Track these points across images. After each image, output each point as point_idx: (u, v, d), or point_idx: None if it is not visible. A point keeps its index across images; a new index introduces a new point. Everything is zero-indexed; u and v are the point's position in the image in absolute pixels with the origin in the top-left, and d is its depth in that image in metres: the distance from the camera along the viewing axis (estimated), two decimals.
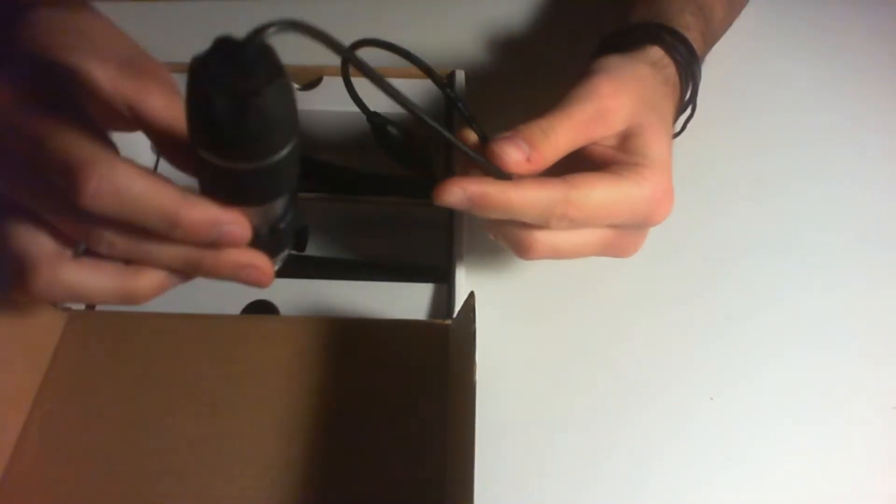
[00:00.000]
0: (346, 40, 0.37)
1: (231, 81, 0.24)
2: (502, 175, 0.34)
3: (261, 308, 0.41)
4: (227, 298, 0.41)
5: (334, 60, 0.38)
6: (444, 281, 0.42)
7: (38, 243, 0.29)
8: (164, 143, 0.30)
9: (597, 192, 0.34)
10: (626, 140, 0.37)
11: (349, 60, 0.29)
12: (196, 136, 0.26)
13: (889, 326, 0.44)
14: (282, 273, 0.42)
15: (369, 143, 0.46)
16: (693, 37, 0.43)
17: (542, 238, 0.36)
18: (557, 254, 0.37)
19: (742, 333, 0.44)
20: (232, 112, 0.24)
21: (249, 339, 0.39)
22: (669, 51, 0.41)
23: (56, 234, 0.29)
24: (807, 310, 0.45)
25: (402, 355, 0.39)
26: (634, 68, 0.39)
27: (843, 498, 0.38)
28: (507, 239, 0.37)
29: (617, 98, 0.37)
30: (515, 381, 0.41)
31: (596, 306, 0.44)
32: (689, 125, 0.45)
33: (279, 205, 0.30)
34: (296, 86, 0.50)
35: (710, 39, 0.48)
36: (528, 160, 0.34)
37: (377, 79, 0.29)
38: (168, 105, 0.31)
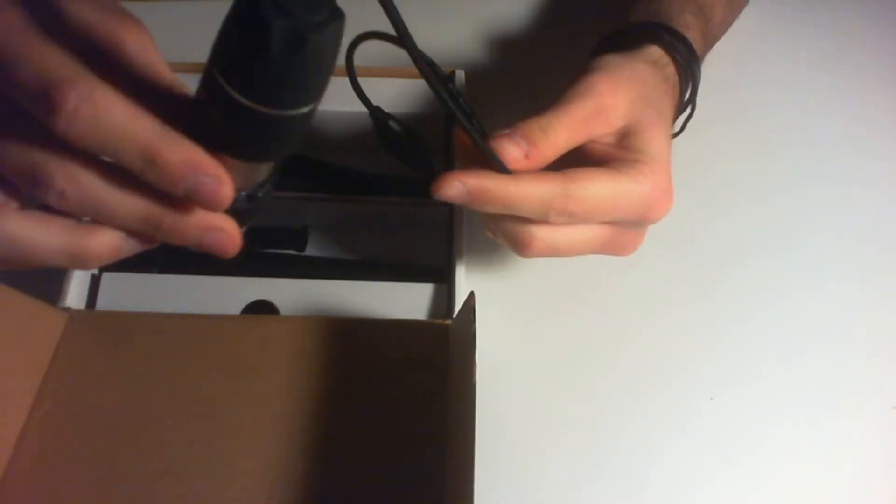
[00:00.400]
0: (346, 40, 0.38)
1: (297, 12, 0.22)
2: (503, 168, 0.34)
3: (261, 308, 0.41)
4: (227, 298, 0.41)
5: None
6: (444, 281, 0.42)
7: None
8: (138, 87, 0.28)
9: (596, 187, 0.34)
10: (625, 137, 0.37)
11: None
12: (226, 63, 0.24)
13: (889, 326, 0.44)
14: (282, 273, 0.43)
15: (370, 143, 0.46)
16: (693, 37, 0.43)
17: (541, 234, 0.36)
18: (556, 251, 0.37)
19: (742, 333, 0.44)
20: (287, 45, 0.22)
21: (249, 339, 0.38)
22: (669, 50, 0.41)
23: (1, 181, 0.27)
24: (807, 310, 0.45)
25: (402, 355, 0.39)
26: (633, 66, 0.39)
27: (843, 498, 0.38)
28: (505, 235, 0.37)
29: (615, 95, 0.37)
30: (515, 381, 0.41)
31: (596, 306, 0.44)
32: (689, 125, 0.45)
33: (266, 168, 0.28)
34: None
35: (710, 39, 0.48)
36: (527, 157, 0.34)
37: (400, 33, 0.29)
38: (145, 47, 0.29)
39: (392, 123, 0.42)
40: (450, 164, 0.47)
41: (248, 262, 0.45)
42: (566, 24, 0.59)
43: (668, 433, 0.40)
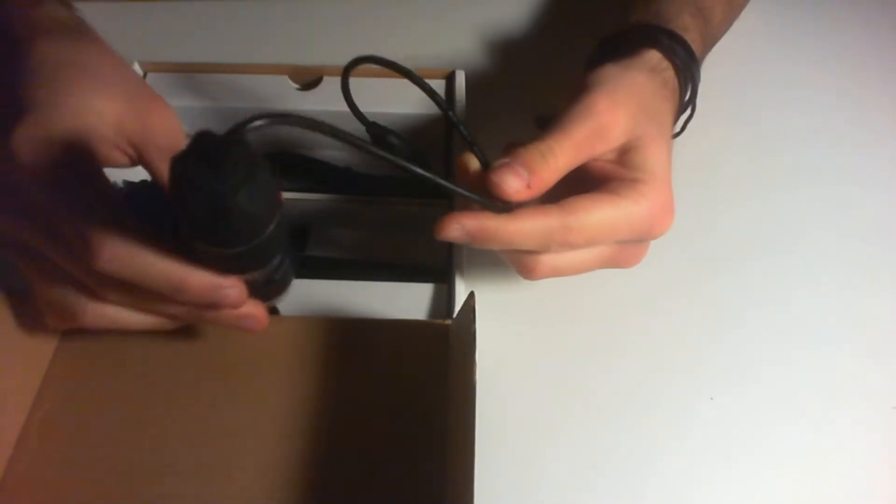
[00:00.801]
0: (347, 40, 0.38)
1: (207, 182, 0.25)
2: (501, 208, 0.34)
3: None
4: None
5: (334, 60, 0.38)
6: (444, 281, 0.42)
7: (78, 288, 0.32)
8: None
9: (595, 215, 0.34)
10: (625, 154, 0.37)
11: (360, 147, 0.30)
12: (182, 226, 0.28)
13: (889, 326, 0.44)
14: None
15: (370, 142, 0.46)
16: (692, 38, 0.43)
17: (545, 260, 0.36)
18: (560, 272, 0.37)
19: (742, 333, 0.44)
20: (210, 210, 0.25)
21: (249, 339, 0.38)
22: (667, 54, 0.41)
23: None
24: (807, 310, 0.45)
25: (402, 355, 0.39)
26: (631, 77, 0.39)
27: (843, 498, 0.38)
28: (510, 262, 0.38)
29: (614, 114, 0.37)
30: (515, 381, 0.41)
31: (596, 306, 0.44)
32: (689, 125, 0.45)
33: (274, 262, 0.31)
34: (295, 86, 0.50)
35: (710, 41, 0.48)
36: (528, 186, 0.34)
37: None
38: (171, 145, 0.33)
39: (391, 138, 0.42)
40: (449, 169, 0.47)
41: None
42: (565, 25, 0.59)
43: (668, 433, 0.40)
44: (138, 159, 0.34)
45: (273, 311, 0.41)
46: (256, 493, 0.34)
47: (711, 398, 0.41)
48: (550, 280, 0.45)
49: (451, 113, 0.37)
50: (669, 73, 0.41)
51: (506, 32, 0.58)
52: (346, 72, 0.39)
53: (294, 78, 0.50)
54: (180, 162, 0.25)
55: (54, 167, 0.31)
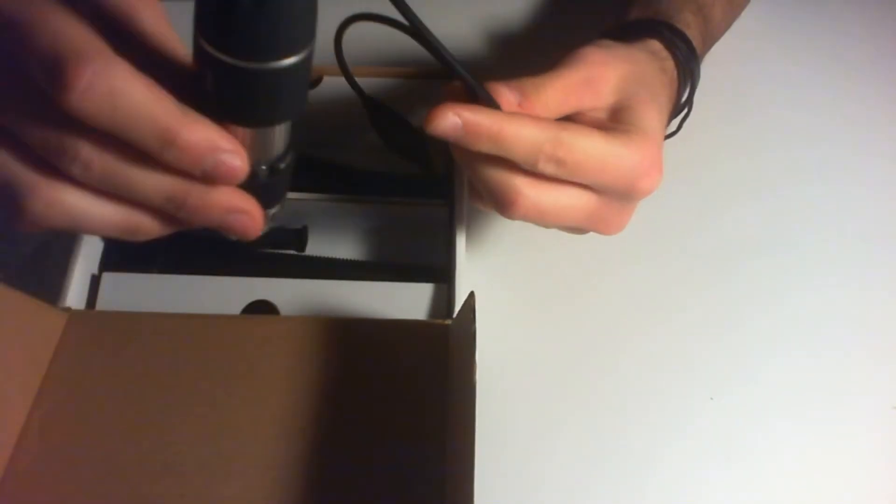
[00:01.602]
0: (347, 41, 0.38)
1: None
2: (497, 107, 0.34)
3: (261, 308, 0.41)
4: (227, 298, 0.41)
5: (334, 61, 0.38)
6: (444, 281, 0.42)
7: (27, 164, 0.26)
8: (152, 63, 0.27)
9: (588, 141, 0.34)
10: (617, 113, 0.37)
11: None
12: (205, 24, 0.24)
13: (889, 326, 0.44)
14: (282, 273, 0.43)
15: (370, 142, 0.46)
16: (692, 35, 0.43)
17: (527, 191, 0.35)
18: (540, 212, 0.36)
19: (742, 333, 0.44)
20: None
21: (249, 339, 0.38)
22: (668, 45, 0.41)
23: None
24: (807, 310, 0.45)
25: (402, 355, 0.39)
26: (630, 50, 0.39)
27: (843, 498, 0.38)
28: (490, 189, 0.36)
29: (606, 67, 0.36)
30: (515, 381, 0.41)
31: (596, 306, 0.44)
32: (689, 125, 0.45)
33: (280, 136, 0.28)
34: None
35: (709, 39, 0.48)
36: (520, 105, 0.34)
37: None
38: (159, 19, 0.28)
39: (384, 111, 0.40)
40: (450, 159, 0.47)
41: (248, 262, 0.45)
42: (567, 22, 0.59)
43: (668, 433, 0.40)
44: (124, 34, 0.27)
45: (273, 311, 0.41)
46: (256, 492, 0.34)
47: (711, 398, 0.41)
48: (550, 280, 0.45)
49: (446, 53, 0.34)
50: (669, 63, 0.41)
51: (507, 31, 0.58)
52: (339, 35, 0.36)
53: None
54: None
55: None
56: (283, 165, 0.29)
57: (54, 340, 0.38)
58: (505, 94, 0.34)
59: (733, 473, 0.39)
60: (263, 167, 0.29)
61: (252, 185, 0.28)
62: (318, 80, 0.50)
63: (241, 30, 0.23)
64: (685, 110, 0.44)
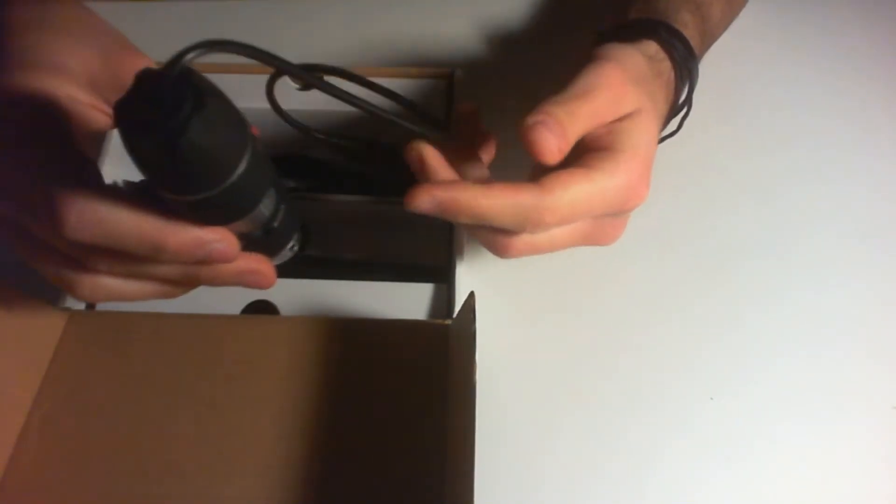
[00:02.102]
0: (347, 41, 0.38)
1: (153, 123, 0.23)
2: (446, 137, 0.34)
3: (261, 308, 0.41)
4: (227, 299, 0.41)
5: (334, 61, 0.38)
6: (444, 281, 0.42)
7: (67, 264, 0.31)
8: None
9: (570, 192, 0.34)
10: (618, 122, 0.37)
11: (286, 72, 0.29)
12: (155, 181, 0.26)
13: (889, 326, 0.44)
14: (282, 273, 0.43)
15: (370, 142, 0.46)
16: (690, 34, 0.43)
17: (519, 238, 0.36)
18: (536, 249, 0.37)
19: (742, 333, 0.44)
20: (162, 151, 0.24)
21: (249, 340, 0.38)
22: (665, 46, 0.41)
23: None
24: (807, 310, 0.45)
25: (402, 355, 0.39)
26: (633, 56, 0.39)
27: (843, 498, 0.38)
28: (482, 240, 0.37)
29: (626, 86, 0.37)
30: (515, 381, 0.41)
31: (596, 306, 0.44)
32: (689, 125, 0.45)
33: (263, 208, 0.29)
34: (295, 86, 0.50)
35: (708, 39, 0.48)
36: (559, 151, 0.34)
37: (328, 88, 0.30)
38: None
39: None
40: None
41: None
42: (565, 22, 0.59)
43: (668, 433, 0.40)
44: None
45: (273, 311, 0.41)
46: (256, 492, 0.34)
47: (711, 398, 0.41)
48: (550, 280, 0.45)
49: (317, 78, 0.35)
50: (666, 65, 0.41)
51: (505, 31, 0.58)
52: (270, 86, 0.36)
53: (292, 78, 0.50)
54: (123, 106, 0.24)
55: (19, 134, 0.30)
56: (276, 224, 0.31)
57: (54, 340, 0.38)
58: (549, 142, 0.33)
59: (733, 473, 0.39)
60: (258, 233, 0.30)
61: (254, 246, 0.31)
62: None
63: (170, 178, 0.25)
64: (685, 109, 0.44)
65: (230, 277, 0.31)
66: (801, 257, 0.47)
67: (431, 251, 0.45)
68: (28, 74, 0.31)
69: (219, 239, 0.29)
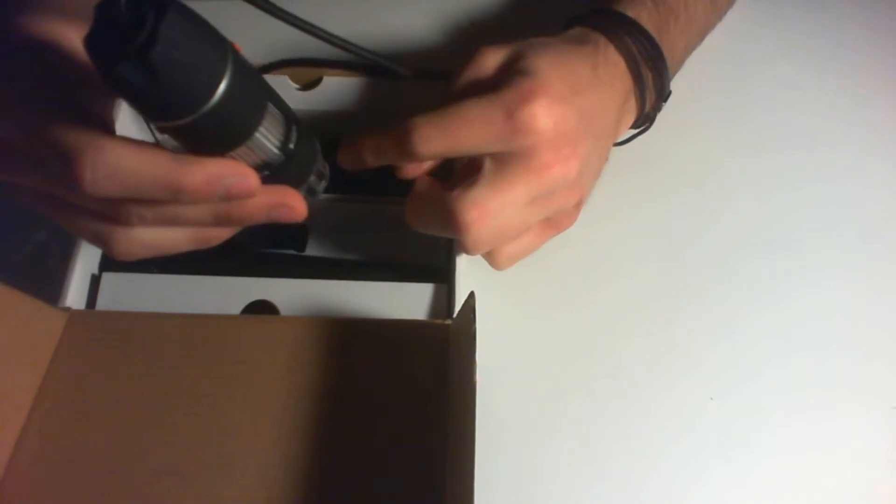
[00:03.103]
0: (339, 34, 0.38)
1: (119, 46, 0.23)
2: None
3: (261, 308, 0.41)
4: (227, 298, 0.41)
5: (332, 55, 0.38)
6: (444, 281, 0.42)
7: (101, 220, 0.31)
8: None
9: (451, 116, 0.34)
10: (510, 64, 0.37)
11: None
12: (143, 112, 0.26)
13: (889, 326, 0.44)
14: (282, 273, 0.43)
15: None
16: (638, 14, 0.42)
17: (500, 254, 0.39)
18: (515, 258, 0.40)
19: (742, 333, 0.44)
20: (137, 76, 0.23)
21: (249, 339, 0.38)
22: (591, 24, 0.41)
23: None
24: (807, 310, 0.45)
25: (402, 355, 0.39)
26: (532, 40, 0.39)
27: (843, 498, 0.38)
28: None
29: (495, 52, 0.38)
30: (515, 381, 0.41)
31: (596, 306, 0.44)
32: (688, 125, 0.45)
33: (270, 131, 0.29)
34: (296, 86, 0.50)
35: (666, 17, 0.45)
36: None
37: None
38: None
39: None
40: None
41: (248, 262, 0.45)
42: (528, 14, 0.58)
43: (668, 433, 0.40)
44: None
45: (273, 311, 0.41)
46: (256, 492, 0.34)
47: (711, 398, 0.41)
48: (550, 280, 0.45)
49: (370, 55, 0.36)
50: (597, 38, 0.40)
51: (470, 24, 0.58)
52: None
53: (294, 78, 0.50)
54: (90, 40, 0.23)
55: (22, 86, 0.29)
56: (291, 145, 0.30)
57: (54, 340, 0.38)
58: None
59: (733, 473, 0.39)
60: (275, 157, 0.30)
61: (276, 176, 0.30)
62: (317, 81, 0.50)
63: (155, 103, 0.25)
64: (655, 90, 0.43)
65: (260, 213, 0.31)
66: (801, 257, 0.47)
67: (432, 251, 0.45)
68: (32, 18, 0.30)
69: (234, 173, 0.28)
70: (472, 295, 0.35)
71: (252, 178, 0.29)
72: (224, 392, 0.37)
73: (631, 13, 0.41)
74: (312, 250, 0.46)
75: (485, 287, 0.43)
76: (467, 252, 0.38)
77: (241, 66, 0.26)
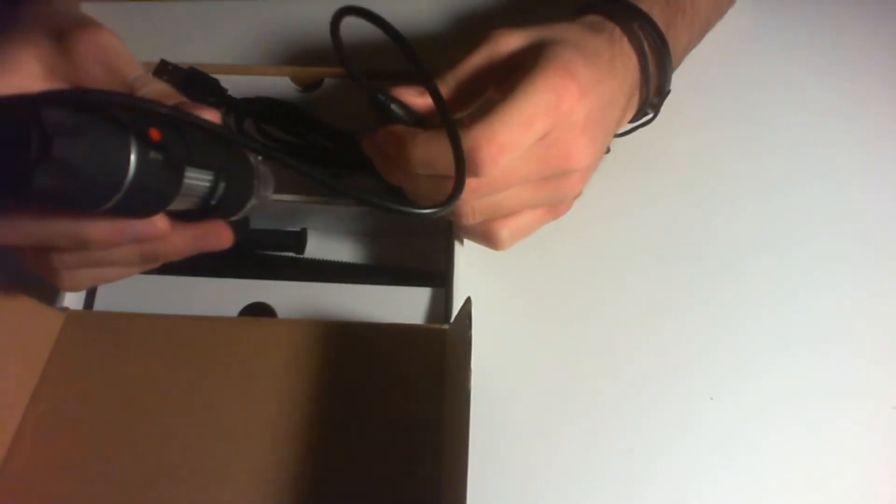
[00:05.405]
0: (347, 42, 0.38)
1: (19, 166, 0.23)
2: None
3: (258, 310, 0.41)
4: (224, 300, 0.41)
5: (335, 63, 0.38)
6: (441, 285, 0.42)
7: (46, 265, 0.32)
8: None
9: (497, 116, 0.34)
10: (531, 52, 0.37)
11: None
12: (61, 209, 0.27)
13: (889, 327, 0.44)
14: (279, 276, 0.43)
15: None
16: (650, 9, 0.42)
17: (474, 201, 0.37)
18: (494, 209, 0.38)
19: (742, 333, 0.43)
20: (59, 174, 0.23)
21: (246, 342, 0.38)
22: (606, 13, 0.41)
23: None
24: (807, 310, 0.44)
25: (398, 359, 0.39)
26: (549, 25, 0.39)
27: (843, 498, 0.38)
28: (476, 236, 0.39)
29: (512, 34, 0.38)
30: (513, 384, 0.41)
31: (594, 309, 0.44)
32: (688, 125, 0.45)
33: (193, 188, 0.29)
34: (298, 87, 0.51)
35: (674, 13, 0.45)
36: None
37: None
38: (106, 67, 0.31)
39: (394, 107, 0.40)
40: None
41: (247, 265, 0.45)
42: (531, 6, 0.58)
43: (668, 434, 0.40)
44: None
45: (270, 313, 0.41)
46: (252, 496, 0.34)
47: (711, 398, 0.41)
48: (548, 283, 0.45)
49: (432, 84, 0.36)
50: (611, 27, 0.40)
51: (473, 13, 0.58)
52: (335, 26, 0.37)
53: (296, 80, 0.51)
54: None
55: None
56: (213, 202, 0.30)
57: (51, 341, 0.38)
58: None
59: (733, 473, 0.39)
60: (197, 204, 0.30)
61: (222, 203, 0.30)
62: (319, 82, 0.50)
63: (87, 193, 0.25)
64: (656, 79, 0.42)
65: (185, 248, 0.31)
66: (801, 257, 0.47)
67: (429, 255, 0.45)
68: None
69: (138, 219, 0.29)
70: (468, 300, 0.35)
71: (159, 222, 0.29)
72: (220, 394, 0.37)
73: (643, 6, 0.41)
74: (311, 253, 0.46)
75: (482, 292, 0.43)
76: (465, 217, 0.38)
77: (148, 158, 0.26)
